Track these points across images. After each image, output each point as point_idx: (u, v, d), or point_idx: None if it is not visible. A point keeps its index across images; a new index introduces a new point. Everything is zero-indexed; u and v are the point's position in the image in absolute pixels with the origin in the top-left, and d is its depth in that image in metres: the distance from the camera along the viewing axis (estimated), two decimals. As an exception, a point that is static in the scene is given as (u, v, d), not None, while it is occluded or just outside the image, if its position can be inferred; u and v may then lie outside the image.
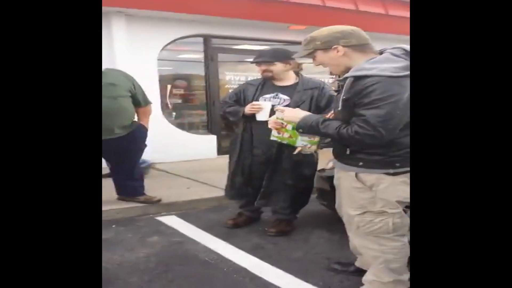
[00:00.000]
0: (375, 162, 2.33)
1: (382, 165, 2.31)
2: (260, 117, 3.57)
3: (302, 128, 2.53)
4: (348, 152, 2.41)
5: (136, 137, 4.43)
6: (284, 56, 3.64)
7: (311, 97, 3.59)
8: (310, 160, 3.69)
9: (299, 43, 2.57)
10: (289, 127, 2.85)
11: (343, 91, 2.31)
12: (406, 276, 2.54)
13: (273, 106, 3.49)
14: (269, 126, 2.94)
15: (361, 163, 2.37)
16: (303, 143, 2.94)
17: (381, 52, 2.39)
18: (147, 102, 4.57)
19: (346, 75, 2.31)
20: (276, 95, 3.66)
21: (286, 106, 3.51)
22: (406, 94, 2.12)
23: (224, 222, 4.11)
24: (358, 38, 2.37)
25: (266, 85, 3.75)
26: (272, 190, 3.72)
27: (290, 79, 3.71)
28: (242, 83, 4.29)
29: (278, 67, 3.63)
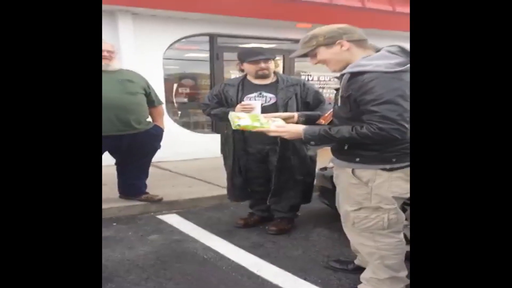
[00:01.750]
0: (372, 158, 2.32)
1: (378, 161, 2.31)
2: None
3: (312, 140, 2.49)
4: (346, 147, 2.40)
5: (153, 135, 4.45)
6: (273, 55, 3.75)
7: (295, 94, 3.61)
8: (313, 154, 3.75)
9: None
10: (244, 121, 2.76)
11: (341, 88, 2.33)
12: (403, 273, 2.53)
13: (261, 104, 3.51)
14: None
15: (357, 159, 2.36)
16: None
17: (378, 50, 2.40)
18: (160, 102, 4.64)
19: (343, 71, 2.32)
20: (260, 93, 3.66)
21: (274, 103, 3.59)
22: (406, 88, 2.12)
23: (234, 222, 4.08)
24: (359, 34, 2.39)
25: (246, 84, 3.73)
26: (282, 187, 3.72)
27: (269, 77, 3.71)
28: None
29: (272, 65, 3.68)
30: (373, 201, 2.37)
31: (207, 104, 3.87)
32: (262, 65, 3.62)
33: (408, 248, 2.55)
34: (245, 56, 3.70)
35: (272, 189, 3.72)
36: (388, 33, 7.87)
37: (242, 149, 3.76)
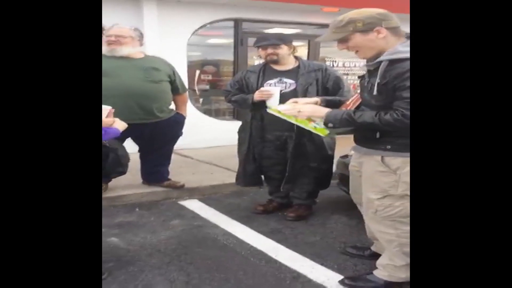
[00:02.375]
0: (403, 146, 2.28)
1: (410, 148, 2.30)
2: (271, 103, 3.52)
3: (332, 122, 2.49)
4: (378, 136, 2.38)
5: (176, 122, 4.50)
6: (288, 39, 3.70)
7: (316, 79, 3.59)
8: (330, 141, 3.74)
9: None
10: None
11: (378, 76, 2.27)
12: (419, 260, 2.55)
13: (280, 90, 3.53)
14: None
15: (389, 146, 2.36)
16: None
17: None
18: (185, 89, 4.65)
19: (381, 58, 2.28)
20: (280, 79, 3.66)
21: (293, 89, 3.58)
22: None
23: (253, 208, 4.14)
24: (395, 21, 2.35)
25: (267, 71, 3.74)
26: (297, 174, 3.74)
27: (290, 63, 3.71)
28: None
29: (284, 50, 3.63)
30: (399, 189, 2.37)
31: (229, 91, 3.90)
32: (269, 50, 3.62)
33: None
34: (256, 42, 3.72)
35: (286, 176, 3.75)
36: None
37: (259, 137, 3.79)
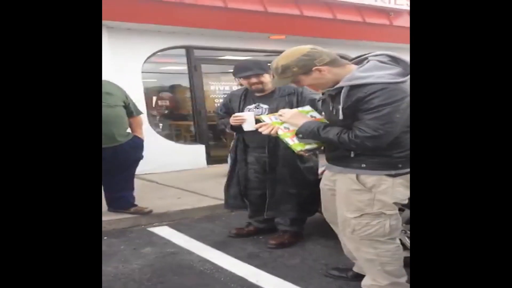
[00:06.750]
0: (378, 164, 2.34)
1: (385, 167, 2.34)
2: (247, 127, 3.51)
3: (302, 133, 2.51)
4: (352, 155, 2.39)
5: (134, 146, 4.45)
6: (267, 67, 3.59)
7: (290, 103, 3.47)
8: (310, 165, 3.63)
9: (280, 52, 2.50)
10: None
11: (341, 101, 2.28)
12: (404, 278, 2.55)
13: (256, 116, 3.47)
14: (264, 133, 2.76)
15: (364, 165, 2.37)
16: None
17: (358, 61, 2.43)
18: (139, 112, 4.62)
19: (340, 84, 2.29)
20: (258, 105, 3.65)
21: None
22: (406, 98, 2.16)
23: (228, 232, 4.07)
24: (327, 54, 2.37)
25: (248, 95, 3.75)
26: (278, 200, 3.64)
27: (269, 88, 3.65)
28: (226, 92, 4.21)
29: (266, 78, 3.56)
30: (375, 207, 2.39)
31: (218, 114, 3.95)
32: (253, 80, 3.57)
33: (406, 254, 2.59)
34: (236, 72, 3.68)
35: (267, 202, 3.67)
36: (358, 43, 7.97)
37: (243, 160, 3.78)
